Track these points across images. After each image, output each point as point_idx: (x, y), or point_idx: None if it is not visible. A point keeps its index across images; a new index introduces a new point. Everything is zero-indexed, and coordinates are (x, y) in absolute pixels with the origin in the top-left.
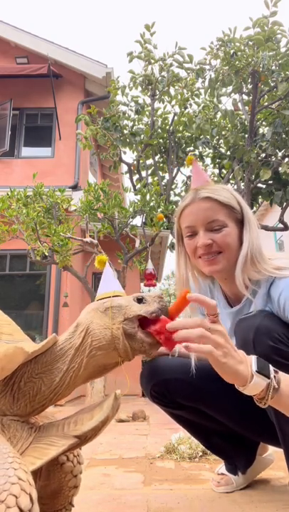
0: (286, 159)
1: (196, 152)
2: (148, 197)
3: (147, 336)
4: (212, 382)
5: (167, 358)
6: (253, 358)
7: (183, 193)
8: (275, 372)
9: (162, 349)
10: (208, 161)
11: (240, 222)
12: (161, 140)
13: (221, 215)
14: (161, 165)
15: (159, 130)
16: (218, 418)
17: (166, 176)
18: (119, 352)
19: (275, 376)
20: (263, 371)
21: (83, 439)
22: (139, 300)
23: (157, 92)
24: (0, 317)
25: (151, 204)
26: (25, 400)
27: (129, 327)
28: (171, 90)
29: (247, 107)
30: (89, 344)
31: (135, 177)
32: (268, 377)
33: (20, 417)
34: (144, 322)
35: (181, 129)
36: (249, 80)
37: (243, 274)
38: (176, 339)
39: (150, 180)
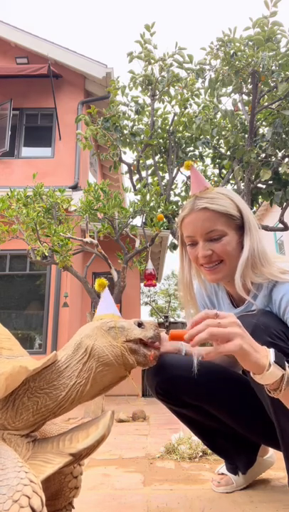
0: (286, 159)
1: (196, 152)
2: (148, 197)
3: (149, 349)
4: (216, 382)
5: (174, 355)
6: (271, 350)
7: (183, 193)
8: None
9: (170, 347)
10: (208, 161)
11: (241, 228)
12: (161, 140)
13: (220, 225)
14: (161, 165)
15: (159, 130)
16: (220, 417)
17: (166, 175)
18: (126, 366)
19: None
20: (279, 362)
21: (78, 456)
22: (139, 324)
23: (157, 92)
24: (0, 331)
25: (151, 204)
26: (28, 414)
27: (133, 344)
28: (171, 90)
29: (247, 107)
30: (96, 360)
31: (135, 177)
32: (284, 368)
33: (21, 431)
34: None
35: (181, 129)
36: (249, 80)
37: (242, 279)
38: (194, 344)
39: (150, 180)
